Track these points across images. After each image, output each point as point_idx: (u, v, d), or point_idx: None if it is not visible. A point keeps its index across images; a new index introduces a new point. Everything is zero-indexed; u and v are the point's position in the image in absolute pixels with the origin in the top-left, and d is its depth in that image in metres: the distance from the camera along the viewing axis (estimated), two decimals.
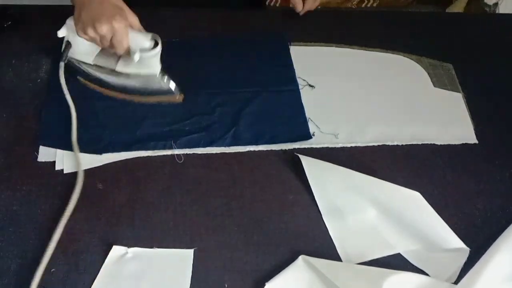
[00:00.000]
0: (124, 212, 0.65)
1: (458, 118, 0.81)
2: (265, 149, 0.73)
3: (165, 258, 0.62)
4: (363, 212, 0.67)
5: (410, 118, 0.79)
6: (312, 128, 0.76)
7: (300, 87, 0.81)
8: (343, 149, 0.75)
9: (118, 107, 0.75)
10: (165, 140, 0.72)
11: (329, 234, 0.66)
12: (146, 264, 0.61)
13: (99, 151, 0.70)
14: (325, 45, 0.88)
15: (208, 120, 0.75)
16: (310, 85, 0.81)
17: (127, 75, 0.72)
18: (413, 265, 0.64)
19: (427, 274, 0.63)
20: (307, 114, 0.77)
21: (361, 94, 0.82)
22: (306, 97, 0.80)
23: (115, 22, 0.64)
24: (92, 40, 0.67)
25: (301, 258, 0.63)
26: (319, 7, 1.00)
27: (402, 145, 0.76)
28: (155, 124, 0.74)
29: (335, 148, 0.74)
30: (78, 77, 0.76)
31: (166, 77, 0.72)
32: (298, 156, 0.71)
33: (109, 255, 0.61)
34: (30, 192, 0.66)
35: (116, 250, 0.62)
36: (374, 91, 0.83)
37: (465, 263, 0.64)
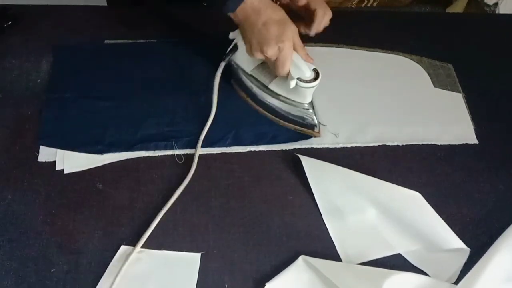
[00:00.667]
0: (124, 212, 0.65)
1: (458, 118, 0.81)
2: (265, 149, 0.73)
3: (172, 261, 0.62)
4: (363, 212, 0.67)
5: (410, 118, 0.79)
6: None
7: None
8: (343, 149, 0.75)
9: (118, 108, 0.75)
10: (166, 140, 0.72)
11: (329, 234, 0.66)
12: (152, 266, 0.61)
13: (99, 151, 0.70)
14: (325, 45, 0.88)
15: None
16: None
17: (276, 95, 0.73)
18: (413, 265, 0.64)
19: (427, 274, 0.63)
20: None
21: (361, 94, 0.82)
22: None
23: (282, 44, 0.65)
24: (259, 59, 0.70)
25: (301, 258, 0.63)
26: None
27: (402, 145, 0.76)
28: (156, 124, 0.74)
29: (335, 148, 0.74)
30: (231, 80, 0.78)
31: (312, 110, 0.73)
32: (298, 156, 0.71)
33: (116, 254, 0.61)
34: (30, 192, 0.66)
35: (124, 250, 0.62)
36: (374, 91, 0.83)
37: (465, 263, 0.64)
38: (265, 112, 0.76)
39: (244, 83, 0.76)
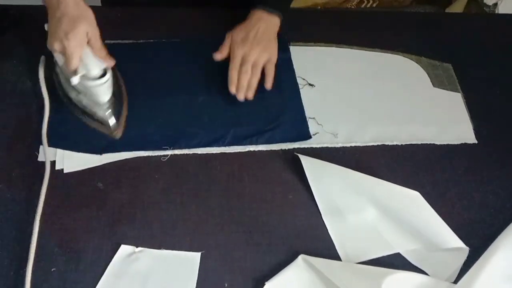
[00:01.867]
0: (124, 212, 0.66)
1: (458, 118, 0.81)
2: (265, 149, 0.74)
3: (172, 260, 0.62)
4: (363, 212, 0.67)
5: (409, 118, 0.80)
6: (314, 127, 0.76)
7: (300, 86, 0.81)
8: (342, 149, 0.75)
9: None
10: (166, 140, 0.72)
11: (329, 234, 0.66)
12: (152, 265, 0.61)
13: (99, 151, 0.70)
14: (325, 45, 0.88)
15: (208, 120, 0.75)
16: (310, 84, 0.82)
17: (80, 91, 0.70)
18: (412, 264, 0.64)
19: (426, 274, 0.64)
20: (308, 114, 0.77)
21: (361, 94, 0.82)
22: (306, 96, 0.80)
23: (67, 42, 0.63)
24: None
25: (300, 257, 0.63)
26: (319, 7, 1.00)
27: (401, 145, 0.76)
28: (155, 124, 0.74)
29: (335, 148, 0.75)
30: (53, 76, 0.75)
31: (110, 110, 0.70)
32: (298, 156, 0.71)
33: (116, 254, 0.61)
34: (30, 192, 0.66)
35: (124, 249, 0.62)
36: (374, 91, 0.83)
37: (465, 263, 0.64)
38: (73, 108, 0.73)
39: (58, 77, 0.74)
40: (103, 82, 0.67)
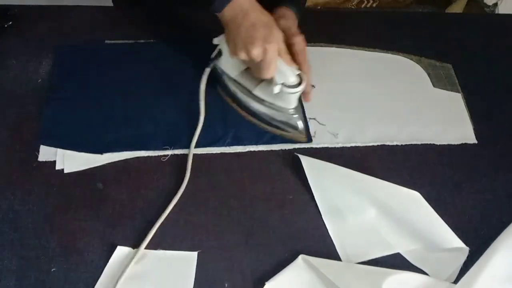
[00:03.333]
0: (124, 212, 0.66)
1: (458, 118, 0.81)
2: (265, 149, 0.74)
3: (169, 260, 0.62)
4: (363, 212, 0.68)
5: (409, 118, 0.80)
6: (315, 127, 0.76)
7: None
8: (343, 149, 0.75)
9: (119, 107, 0.76)
10: (166, 140, 0.72)
11: (329, 234, 0.66)
12: (150, 266, 0.61)
13: (99, 150, 0.70)
14: (325, 45, 0.88)
15: (208, 120, 0.75)
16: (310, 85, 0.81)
17: (261, 101, 0.73)
18: (412, 264, 0.64)
19: (426, 274, 0.64)
20: (308, 114, 0.77)
21: (361, 94, 0.82)
22: None
23: (268, 46, 0.64)
24: (242, 61, 0.69)
25: (301, 258, 0.63)
26: (319, 7, 1.00)
27: (402, 145, 0.76)
28: (156, 124, 0.74)
29: (335, 148, 0.75)
30: (217, 86, 0.77)
31: (297, 115, 0.73)
32: (298, 156, 0.71)
33: (113, 255, 0.61)
34: (30, 192, 0.66)
35: (121, 251, 0.62)
36: (374, 91, 0.83)
37: (465, 263, 0.64)
38: (250, 117, 0.75)
39: (228, 88, 0.76)
40: (300, 90, 0.68)
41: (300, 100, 0.73)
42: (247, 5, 0.66)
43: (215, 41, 0.73)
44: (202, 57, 0.83)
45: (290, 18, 0.76)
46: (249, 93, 0.73)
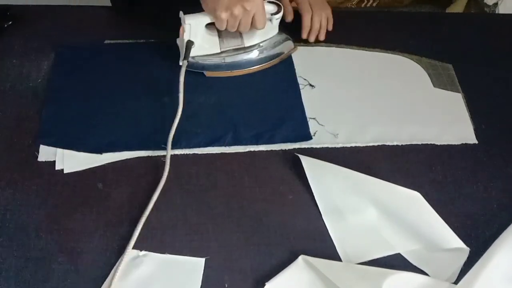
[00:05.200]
0: (124, 212, 0.66)
1: (458, 118, 0.81)
2: (265, 149, 0.73)
3: (176, 265, 0.62)
4: (363, 212, 0.67)
5: (410, 118, 0.79)
6: (315, 127, 0.76)
7: (300, 87, 0.81)
8: (343, 149, 0.75)
9: (119, 107, 0.76)
10: (165, 140, 0.72)
11: (329, 234, 0.66)
12: (156, 269, 0.61)
13: (99, 150, 0.70)
14: (325, 45, 0.88)
15: (208, 120, 0.75)
16: (310, 85, 0.82)
17: (254, 47, 0.79)
18: (413, 265, 0.64)
19: (427, 274, 0.64)
20: (308, 114, 0.77)
21: (361, 94, 0.82)
22: (307, 97, 0.80)
23: (250, 2, 0.69)
24: (229, 21, 0.71)
25: (301, 258, 0.63)
26: None
27: (402, 145, 0.76)
28: (155, 124, 0.74)
29: (335, 148, 0.75)
30: (204, 72, 0.79)
31: (283, 34, 0.81)
32: (298, 156, 0.71)
33: (121, 257, 0.61)
34: (30, 192, 0.66)
35: (128, 253, 0.62)
36: (374, 91, 0.83)
37: (465, 263, 0.64)
38: (256, 67, 0.80)
39: (221, 65, 0.79)
40: (282, 13, 0.77)
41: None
42: None
43: (185, 36, 0.75)
44: None
45: None
46: (243, 49, 0.78)
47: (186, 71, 0.74)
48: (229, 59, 0.79)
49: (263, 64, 0.81)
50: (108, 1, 0.94)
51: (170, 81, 0.79)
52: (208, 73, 0.79)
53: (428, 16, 1.04)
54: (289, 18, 0.86)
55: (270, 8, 0.76)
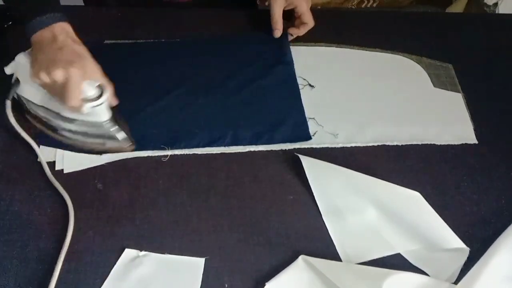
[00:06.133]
0: (124, 212, 0.66)
1: (458, 118, 0.81)
2: (265, 149, 0.73)
3: (176, 265, 0.62)
4: (363, 212, 0.67)
5: (410, 118, 0.79)
6: (314, 127, 0.76)
7: (300, 87, 0.81)
8: (343, 149, 0.75)
9: (118, 107, 0.75)
10: (165, 140, 0.72)
11: (329, 234, 0.66)
12: (156, 269, 0.61)
13: (99, 151, 0.70)
14: (325, 45, 0.88)
15: (208, 120, 0.75)
16: (310, 85, 0.81)
17: (73, 121, 0.66)
18: (413, 265, 0.64)
19: (427, 274, 0.64)
20: (308, 114, 0.77)
21: (361, 94, 0.82)
22: (306, 97, 0.80)
23: (72, 69, 0.59)
24: (44, 85, 0.62)
25: (301, 258, 0.63)
26: (319, 6, 1.00)
27: (402, 145, 0.76)
28: (155, 124, 0.74)
29: (335, 148, 0.74)
30: (26, 115, 0.70)
31: (116, 126, 0.66)
32: (298, 156, 0.71)
33: (120, 258, 0.61)
34: (30, 192, 0.66)
35: (128, 253, 0.62)
36: (374, 91, 0.83)
37: (465, 263, 0.64)
38: (71, 139, 0.69)
39: (38, 116, 0.69)
40: (103, 101, 0.63)
41: (113, 110, 0.66)
42: (61, 33, 0.62)
43: (7, 70, 0.67)
44: (202, 57, 0.83)
45: None
46: (59, 115, 0.66)
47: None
48: (47, 116, 0.68)
49: (89, 143, 0.69)
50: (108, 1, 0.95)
51: (170, 81, 0.79)
52: (30, 118, 0.71)
53: (428, 16, 1.04)
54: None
55: (88, 90, 0.62)
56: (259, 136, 0.74)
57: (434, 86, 0.85)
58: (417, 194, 0.67)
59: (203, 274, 0.61)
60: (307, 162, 0.70)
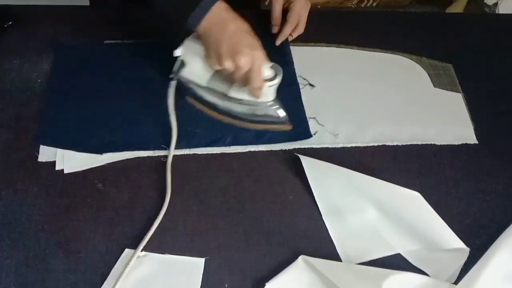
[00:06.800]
0: (124, 212, 0.66)
1: (458, 118, 0.81)
2: (265, 149, 0.73)
3: (176, 265, 0.62)
4: (363, 212, 0.67)
5: (410, 118, 0.79)
6: (315, 127, 0.76)
7: (300, 86, 0.81)
8: (343, 149, 0.75)
9: (118, 107, 0.75)
10: (165, 140, 0.72)
11: (329, 234, 0.66)
12: (156, 269, 0.61)
13: (99, 150, 0.70)
14: (325, 45, 0.88)
15: (208, 120, 0.75)
16: (310, 85, 0.81)
17: (238, 101, 0.72)
18: (413, 265, 0.64)
19: (427, 274, 0.64)
20: (308, 114, 0.77)
21: (361, 94, 0.82)
22: (307, 96, 0.80)
23: (256, 53, 0.63)
24: (225, 71, 0.66)
25: (301, 258, 0.63)
26: (319, 6, 1.00)
27: (402, 145, 0.76)
28: (155, 124, 0.74)
29: (335, 148, 0.74)
30: (186, 96, 0.76)
31: (277, 106, 0.72)
32: (298, 156, 0.71)
33: (120, 258, 0.61)
34: (30, 192, 0.66)
35: (128, 253, 0.62)
36: (374, 91, 0.83)
37: (465, 263, 0.64)
38: (230, 119, 0.74)
39: (201, 97, 0.75)
40: (277, 83, 0.68)
41: (276, 91, 0.72)
42: (225, 15, 0.65)
43: (177, 52, 0.71)
44: None
45: None
46: (225, 96, 0.72)
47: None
48: (211, 98, 0.74)
49: (247, 123, 0.74)
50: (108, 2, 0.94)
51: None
52: (190, 99, 0.76)
53: (428, 16, 1.04)
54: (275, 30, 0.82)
55: (266, 73, 0.68)
56: (260, 136, 0.74)
57: (434, 86, 0.85)
58: (417, 194, 0.67)
59: (203, 274, 0.61)
60: (307, 162, 0.70)
